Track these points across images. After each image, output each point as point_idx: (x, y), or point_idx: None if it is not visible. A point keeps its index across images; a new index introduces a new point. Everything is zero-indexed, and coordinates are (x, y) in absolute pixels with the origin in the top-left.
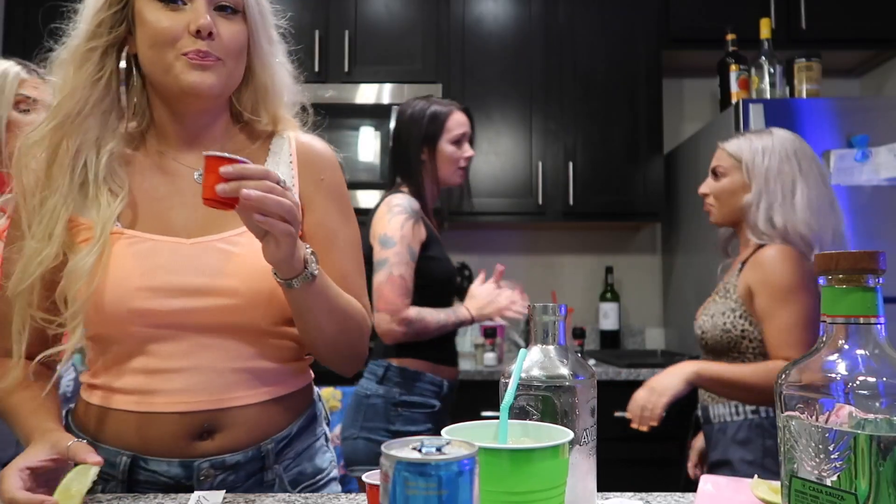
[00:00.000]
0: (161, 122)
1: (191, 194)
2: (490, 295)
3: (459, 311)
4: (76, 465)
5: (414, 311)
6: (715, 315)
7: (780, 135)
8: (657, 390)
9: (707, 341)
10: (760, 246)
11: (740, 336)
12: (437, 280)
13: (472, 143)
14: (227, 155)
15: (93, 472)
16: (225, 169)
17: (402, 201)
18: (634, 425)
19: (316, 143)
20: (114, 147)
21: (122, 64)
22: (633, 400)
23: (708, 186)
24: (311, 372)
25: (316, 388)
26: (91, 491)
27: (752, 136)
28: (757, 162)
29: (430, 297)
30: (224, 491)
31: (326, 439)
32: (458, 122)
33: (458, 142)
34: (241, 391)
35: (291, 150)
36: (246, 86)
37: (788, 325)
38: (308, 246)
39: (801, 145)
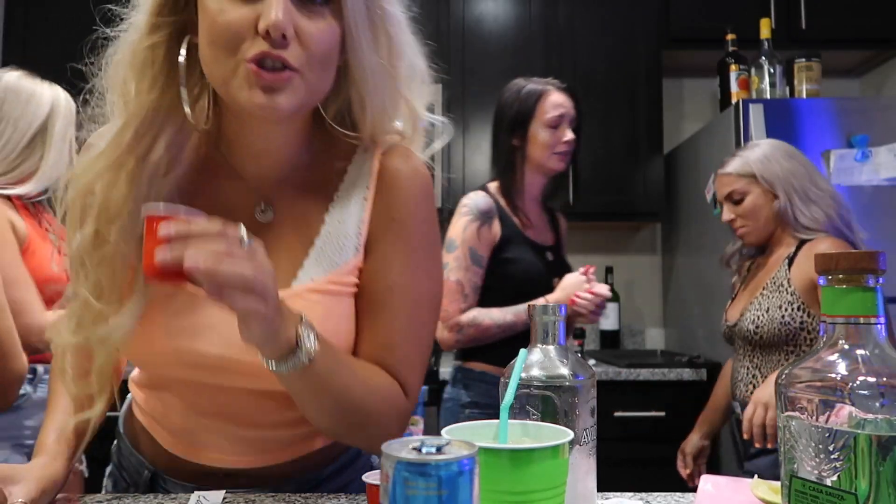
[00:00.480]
0: (227, 130)
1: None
2: (573, 284)
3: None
4: None
5: (467, 316)
6: (771, 309)
7: (769, 141)
8: (770, 403)
9: (763, 335)
10: (803, 241)
11: (799, 328)
12: (512, 282)
13: (578, 128)
14: (168, 210)
15: None
16: (165, 229)
17: (469, 201)
18: (759, 444)
19: (404, 169)
20: (178, 173)
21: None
22: (747, 421)
23: (732, 212)
24: None
25: None
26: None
27: (745, 152)
28: (769, 169)
29: (504, 301)
30: (224, 491)
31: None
32: (554, 102)
33: (554, 125)
34: (268, 454)
35: (371, 178)
36: (337, 96)
37: None
38: (306, 318)
39: (790, 146)
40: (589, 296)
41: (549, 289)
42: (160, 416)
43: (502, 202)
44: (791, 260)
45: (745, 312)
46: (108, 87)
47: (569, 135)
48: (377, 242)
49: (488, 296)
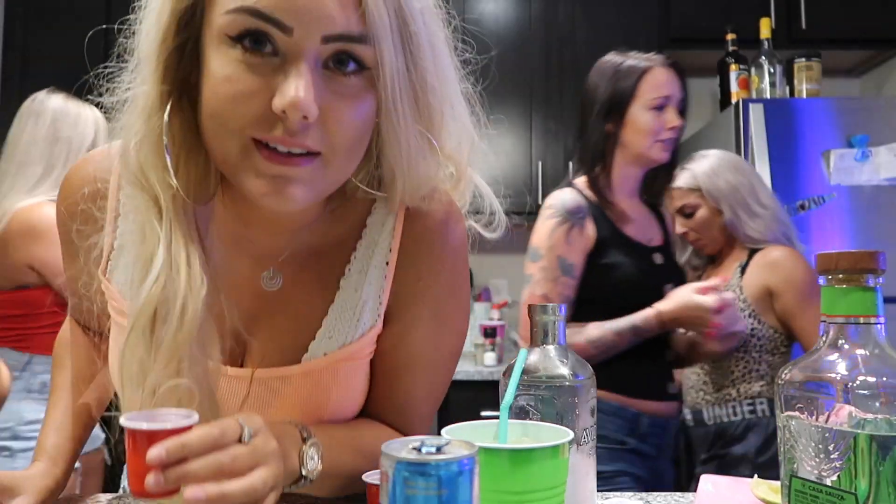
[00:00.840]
0: (237, 203)
1: (250, 296)
2: (690, 294)
3: (635, 317)
4: None
5: None
6: None
7: (717, 153)
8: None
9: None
10: (754, 250)
11: (749, 335)
12: (614, 291)
13: (683, 111)
14: (155, 426)
15: None
16: (154, 453)
17: (555, 201)
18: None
19: (434, 224)
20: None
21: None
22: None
23: (685, 225)
24: None
25: None
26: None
27: (694, 164)
28: (715, 184)
29: (607, 314)
30: None
31: None
32: (657, 81)
33: (659, 107)
34: None
35: (395, 237)
36: (366, 165)
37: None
38: (307, 432)
39: (738, 158)
40: (709, 300)
41: (660, 296)
42: None
43: (593, 198)
44: (743, 269)
45: None
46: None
47: (675, 120)
48: (400, 309)
49: (588, 309)
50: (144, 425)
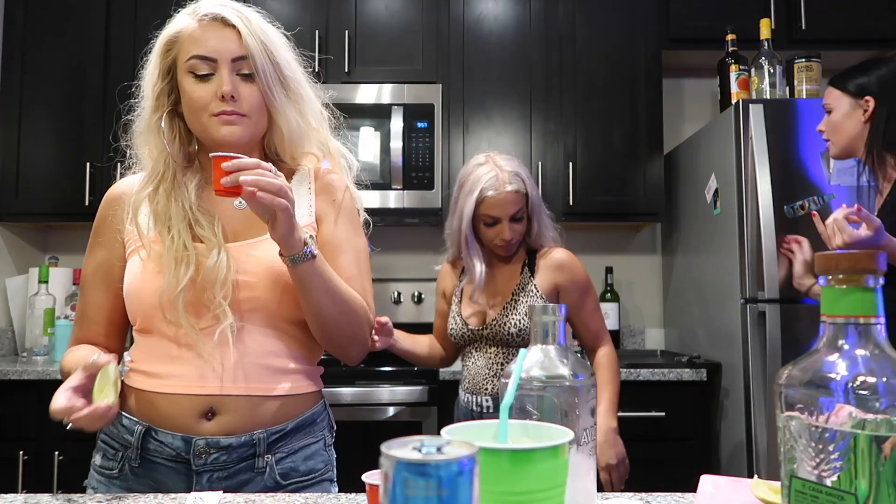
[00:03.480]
0: (207, 164)
1: (226, 214)
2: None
3: None
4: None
5: None
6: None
7: (517, 160)
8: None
9: (524, 337)
10: (532, 251)
11: None
12: None
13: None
14: (227, 154)
15: (110, 369)
16: (225, 164)
17: None
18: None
19: (331, 173)
20: (197, 182)
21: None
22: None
23: (512, 231)
24: (320, 382)
25: (324, 399)
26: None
27: (516, 168)
28: (532, 194)
29: None
30: (221, 492)
31: (325, 445)
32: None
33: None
34: (251, 383)
35: (311, 180)
36: (270, 132)
37: (594, 311)
38: (307, 232)
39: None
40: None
41: None
42: (146, 363)
43: None
44: (532, 268)
45: (505, 318)
46: (137, 148)
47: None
48: (326, 215)
49: None
50: (223, 153)
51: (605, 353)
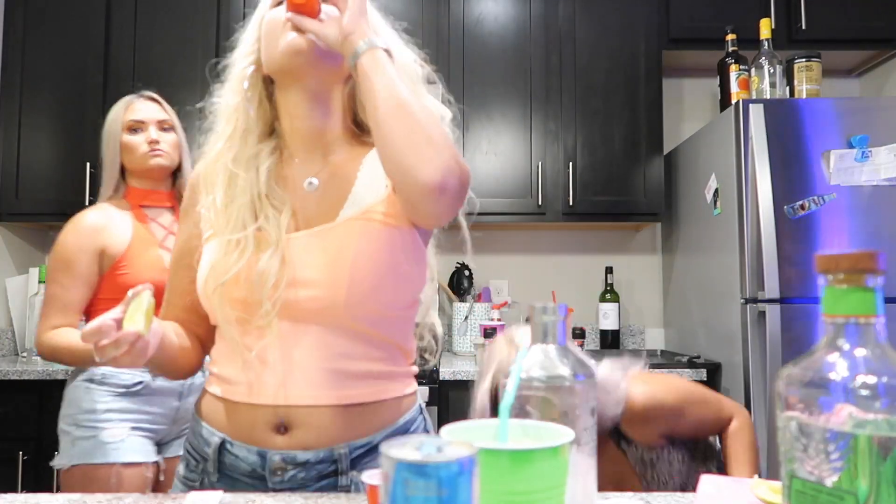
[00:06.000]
0: (284, 132)
1: (297, 197)
2: None
3: None
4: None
5: None
6: None
7: None
8: None
9: None
10: None
11: None
12: None
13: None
14: None
15: (144, 297)
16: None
17: None
18: None
19: None
20: (270, 165)
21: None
22: None
23: None
24: (414, 384)
25: (420, 403)
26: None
27: None
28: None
29: None
30: (221, 492)
31: None
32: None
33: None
34: (319, 391)
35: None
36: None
37: (695, 421)
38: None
39: None
40: None
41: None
42: (220, 366)
43: None
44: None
45: None
46: (218, 116)
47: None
48: None
49: None
50: None
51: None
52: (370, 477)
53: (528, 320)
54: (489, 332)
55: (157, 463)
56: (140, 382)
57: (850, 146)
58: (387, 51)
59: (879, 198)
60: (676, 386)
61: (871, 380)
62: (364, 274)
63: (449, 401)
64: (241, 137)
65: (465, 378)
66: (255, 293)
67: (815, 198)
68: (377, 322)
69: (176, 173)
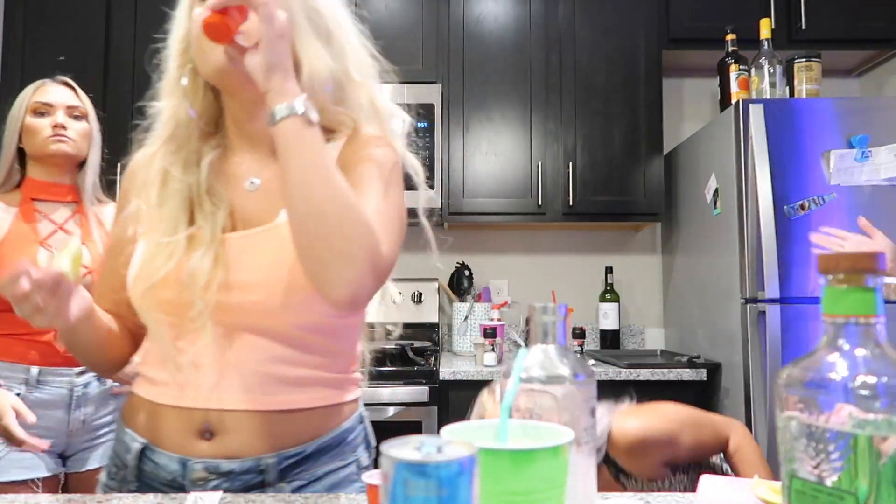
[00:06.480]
0: (228, 130)
1: (237, 196)
2: None
3: None
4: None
5: None
6: None
7: None
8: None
9: None
10: None
11: None
12: None
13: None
14: None
15: (73, 243)
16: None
17: None
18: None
19: (367, 134)
20: (211, 160)
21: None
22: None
23: None
24: (358, 390)
25: (361, 411)
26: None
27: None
28: None
29: None
30: (221, 492)
31: (359, 468)
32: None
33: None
34: (252, 395)
35: (341, 137)
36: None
37: (693, 444)
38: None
39: None
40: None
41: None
42: (147, 367)
43: None
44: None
45: None
46: (157, 114)
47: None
48: (350, 166)
49: None
50: None
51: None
52: (370, 477)
53: (528, 320)
54: (489, 332)
55: (56, 476)
56: (17, 394)
57: (850, 146)
58: (309, 118)
59: (879, 198)
60: (665, 412)
61: (871, 380)
62: (303, 279)
63: (449, 400)
64: (178, 136)
65: (464, 378)
66: (184, 294)
67: (815, 198)
68: (315, 328)
69: (82, 165)
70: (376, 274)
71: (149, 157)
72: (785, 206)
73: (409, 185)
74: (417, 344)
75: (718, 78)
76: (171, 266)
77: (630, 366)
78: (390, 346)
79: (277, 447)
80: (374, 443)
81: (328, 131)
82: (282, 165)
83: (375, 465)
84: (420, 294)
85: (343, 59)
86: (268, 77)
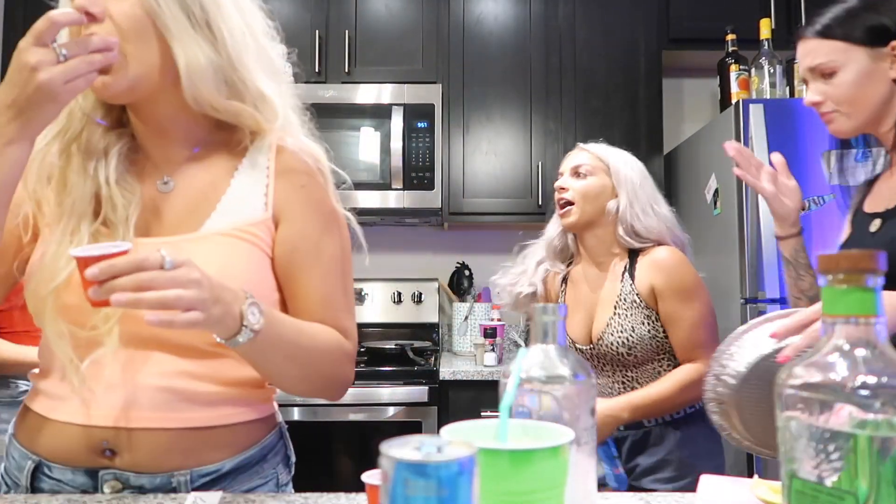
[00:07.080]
0: (133, 126)
1: (148, 196)
2: None
3: None
4: None
5: None
6: (635, 326)
7: (631, 156)
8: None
9: (637, 355)
10: (634, 251)
11: (664, 338)
12: None
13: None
14: (93, 252)
15: None
16: (90, 272)
17: None
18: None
19: (302, 148)
20: (120, 149)
21: None
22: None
23: (569, 184)
24: (274, 405)
25: (281, 425)
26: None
27: (608, 147)
28: (622, 170)
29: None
30: (221, 493)
31: (278, 485)
32: None
33: None
34: (160, 413)
35: (270, 157)
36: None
37: (694, 325)
38: (250, 295)
39: (645, 169)
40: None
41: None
42: (42, 378)
43: None
44: (632, 273)
45: (604, 335)
46: None
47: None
48: (289, 209)
49: None
50: (84, 252)
51: (686, 368)
52: (370, 477)
53: (528, 320)
54: (489, 332)
55: None
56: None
57: (850, 146)
58: (258, 329)
59: None
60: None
61: (871, 380)
62: None
63: (449, 401)
64: (74, 128)
65: (464, 378)
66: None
67: (815, 198)
68: None
69: None
70: (352, 358)
71: (38, 147)
72: None
73: (422, 185)
74: (417, 344)
75: (718, 78)
76: (72, 268)
77: None
78: (390, 345)
79: (191, 464)
80: (293, 458)
81: (231, 129)
82: (252, 365)
83: (294, 480)
84: (420, 294)
85: (226, 50)
86: (209, 330)
